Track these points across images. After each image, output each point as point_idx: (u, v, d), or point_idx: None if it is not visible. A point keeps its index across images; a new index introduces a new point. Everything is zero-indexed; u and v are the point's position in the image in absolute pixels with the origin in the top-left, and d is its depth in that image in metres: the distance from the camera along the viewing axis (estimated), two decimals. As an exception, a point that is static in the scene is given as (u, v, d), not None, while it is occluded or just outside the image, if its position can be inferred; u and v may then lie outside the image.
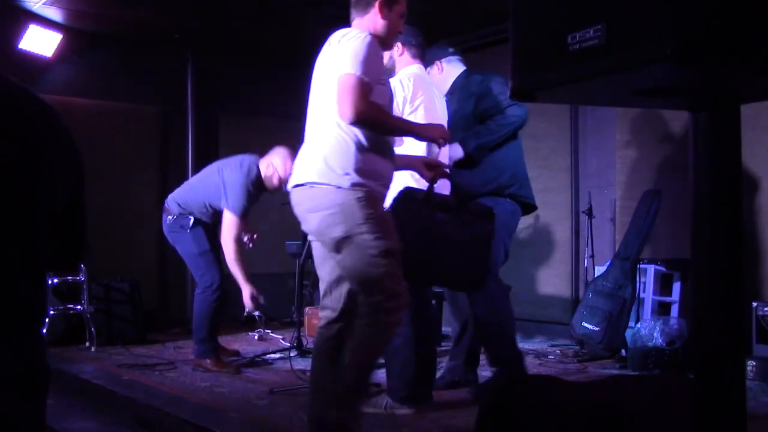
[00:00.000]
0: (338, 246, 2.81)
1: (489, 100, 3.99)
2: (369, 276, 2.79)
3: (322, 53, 2.96)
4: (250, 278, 4.87)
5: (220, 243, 4.91)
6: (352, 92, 2.73)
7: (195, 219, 4.86)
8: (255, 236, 5.13)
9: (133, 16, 6.22)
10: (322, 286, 3.09)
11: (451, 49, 4.28)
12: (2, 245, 1.36)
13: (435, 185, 3.23)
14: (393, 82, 3.66)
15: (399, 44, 3.73)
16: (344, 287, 2.97)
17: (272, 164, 4.88)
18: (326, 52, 2.92)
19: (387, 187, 3.00)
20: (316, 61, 2.99)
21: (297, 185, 2.93)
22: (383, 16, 3.01)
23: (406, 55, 3.84)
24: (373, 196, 2.85)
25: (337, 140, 2.84)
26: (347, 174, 2.80)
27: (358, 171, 2.81)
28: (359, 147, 2.83)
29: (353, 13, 3.09)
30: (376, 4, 3.00)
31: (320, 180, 2.82)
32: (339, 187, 2.79)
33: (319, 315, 3.10)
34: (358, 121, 2.76)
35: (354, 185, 2.80)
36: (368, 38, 2.83)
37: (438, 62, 4.20)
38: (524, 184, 4.13)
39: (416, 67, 3.84)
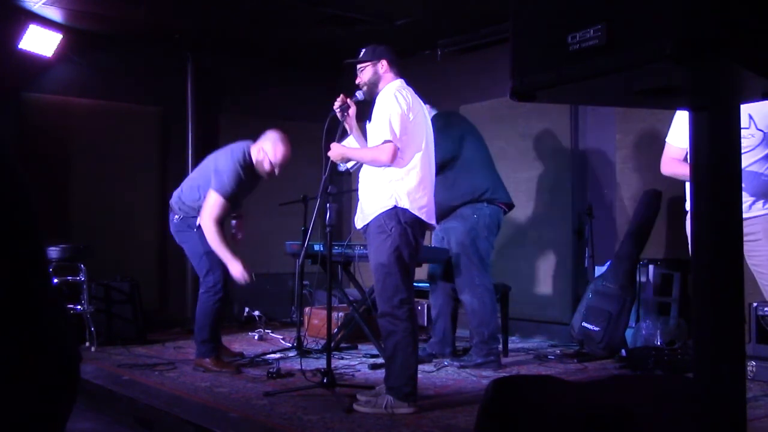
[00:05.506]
0: None
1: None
2: None
3: None
4: (236, 256, 4.74)
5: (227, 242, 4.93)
6: None
7: None
8: (241, 220, 5.09)
9: (133, 16, 6.22)
10: None
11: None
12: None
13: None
14: (389, 94, 3.90)
15: (384, 61, 4.01)
16: None
17: (263, 149, 4.86)
18: None
19: None
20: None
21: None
22: None
23: (390, 72, 4.04)
24: None
25: None
26: None
27: None
28: None
29: None
30: None
31: None
32: None
33: None
34: None
35: None
36: None
37: None
38: (497, 187, 5.05)
39: (401, 83, 4.04)
